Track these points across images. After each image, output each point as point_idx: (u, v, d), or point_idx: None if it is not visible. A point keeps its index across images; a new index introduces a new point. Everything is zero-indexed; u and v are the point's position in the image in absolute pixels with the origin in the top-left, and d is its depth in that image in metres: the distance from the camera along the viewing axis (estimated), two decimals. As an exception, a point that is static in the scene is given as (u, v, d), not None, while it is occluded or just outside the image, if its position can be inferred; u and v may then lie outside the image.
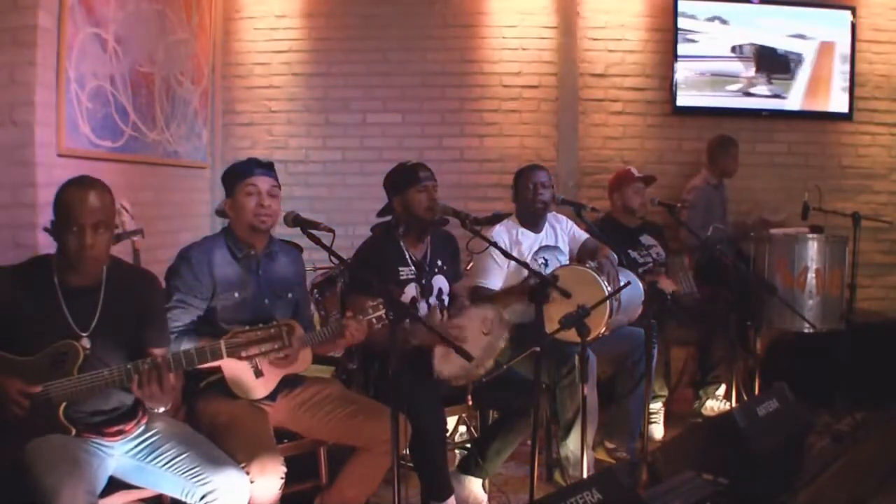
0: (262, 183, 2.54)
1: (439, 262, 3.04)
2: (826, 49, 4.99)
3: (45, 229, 2.13)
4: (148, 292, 2.28)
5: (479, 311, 2.89)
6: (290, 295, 2.66)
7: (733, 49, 4.96)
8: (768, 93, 5.00)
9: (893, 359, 4.01)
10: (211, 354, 2.07)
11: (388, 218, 3.02)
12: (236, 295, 2.51)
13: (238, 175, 2.56)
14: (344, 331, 2.45)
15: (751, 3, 4.97)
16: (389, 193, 2.99)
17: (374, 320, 2.47)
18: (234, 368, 2.40)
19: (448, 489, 2.73)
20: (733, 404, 3.86)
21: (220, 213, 2.67)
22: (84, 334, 2.07)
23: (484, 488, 3.00)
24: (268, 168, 2.59)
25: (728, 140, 4.61)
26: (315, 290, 3.67)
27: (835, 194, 4.88)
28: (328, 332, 2.48)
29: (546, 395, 3.14)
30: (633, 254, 3.85)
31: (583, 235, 3.59)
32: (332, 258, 2.44)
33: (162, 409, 2.22)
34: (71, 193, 2.06)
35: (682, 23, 4.87)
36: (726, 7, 4.95)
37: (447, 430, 2.99)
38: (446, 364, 2.71)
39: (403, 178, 2.94)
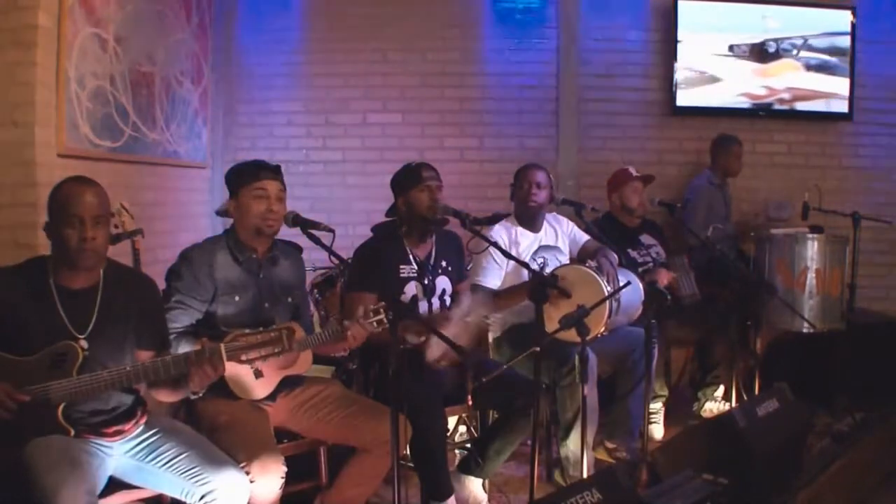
0: (272, 187, 2.53)
1: (443, 263, 3.04)
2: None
3: (45, 230, 2.12)
4: (145, 295, 2.27)
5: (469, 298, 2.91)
6: (290, 299, 2.65)
7: (731, 48, 4.96)
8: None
9: (893, 359, 4.01)
10: (210, 357, 2.07)
11: (393, 218, 3.02)
12: (237, 298, 2.50)
13: (246, 177, 2.54)
14: (345, 333, 2.45)
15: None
16: (395, 193, 2.99)
17: (374, 324, 2.46)
18: (234, 369, 2.39)
19: (448, 489, 2.73)
20: (733, 405, 3.87)
21: (223, 213, 2.67)
22: (81, 336, 2.07)
23: (484, 488, 3.00)
24: (276, 172, 2.58)
25: (730, 139, 4.61)
26: (315, 290, 3.67)
27: (835, 194, 4.89)
28: (328, 335, 2.48)
29: (546, 395, 3.14)
30: (633, 253, 3.85)
31: (583, 237, 3.58)
32: (332, 258, 2.44)
33: (199, 395, 2.24)
34: (69, 189, 2.06)
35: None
36: (726, 7, 4.95)
37: (448, 430, 3.00)
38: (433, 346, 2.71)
39: (407, 178, 2.94)
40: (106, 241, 2.12)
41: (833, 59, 5.02)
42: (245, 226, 2.54)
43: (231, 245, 2.54)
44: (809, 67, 4.99)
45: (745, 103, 4.99)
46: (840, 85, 5.02)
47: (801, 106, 5.03)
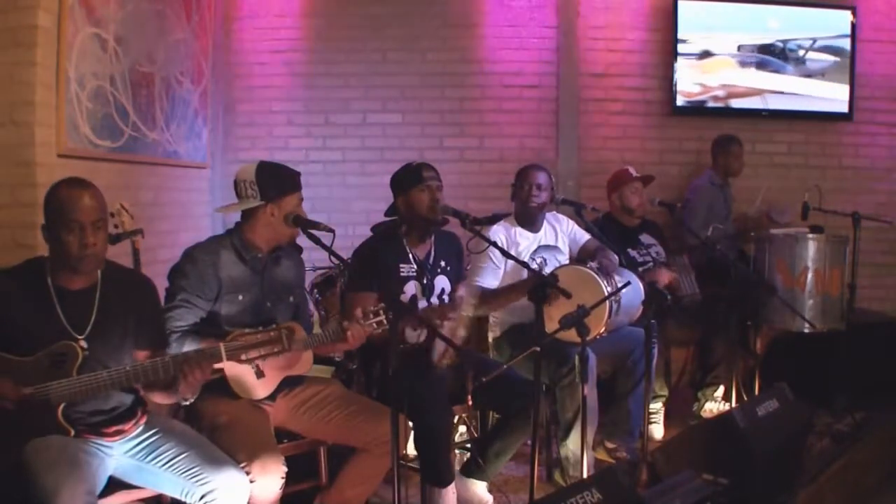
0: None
1: (442, 263, 3.04)
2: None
3: (42, 231, 2.11)
4: (143, 295, 2.27)
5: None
6: (290, 298, 2.66)
7: (739, 48, 4.95)
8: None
9: (893, 359, 4.01)
10: (210, 357, 2.07)
11: (393, 218, 3.02)
12: (240, 297, 2.50)
13: (292, 184, 2.56)
14: (345, 334, 2.45)
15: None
16: (394, 193, 2.99)
17: (374, 325, 2.46)
18: (236, 369, 2.40)
19: (449, 476, 2.73)
20: (733, 405, 3.87)
21: (231, 210, 2.65)
22: (80, 337, 2.07)
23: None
24: None
25: (729, 139, 4.61)
26: (315, 290, 3.67)
27: (835, 194, 4.88)
28: (329, 335, 2.48)
29: (546, 395, 3.14)
30: (633, 253, 3.85)
31: (584, 236, 3.58)
32: (332, 258, 2.44)
33: (190, 401, 2.22)
34: (66, 194, 2.04)
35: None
36: (728, 7, 4.95)
37: (453, 427, 3.00)
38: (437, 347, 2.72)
39: (407, 178, 2.94)
40: (105, 244, 2.11)
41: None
42: (280, 231, 2.54)
43: (236, 244, 2.54)
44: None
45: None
46: (834, 88, 5.01)
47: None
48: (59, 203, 2.03)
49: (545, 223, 3.50)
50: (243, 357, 2.09)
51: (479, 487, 2.95)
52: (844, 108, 5.05)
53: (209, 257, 2.47)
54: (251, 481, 2.16)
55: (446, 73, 4.90)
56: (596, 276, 3.08)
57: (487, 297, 3.20)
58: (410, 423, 2.63)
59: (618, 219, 3.96)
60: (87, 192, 2.06)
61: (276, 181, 2.54)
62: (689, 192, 4.60)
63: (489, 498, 2.98)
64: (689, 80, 4.94)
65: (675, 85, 4.91)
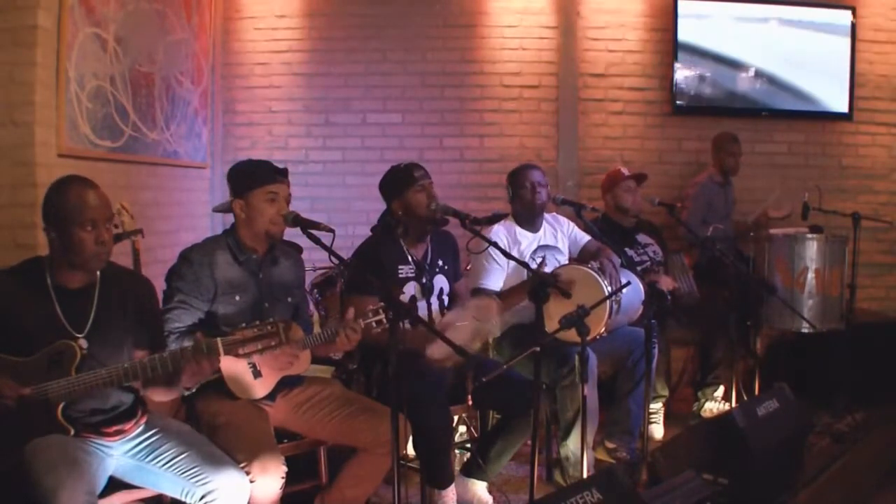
0: (283, 190, 2.52)
1: (440, 262, 3.03)
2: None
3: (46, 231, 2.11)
4: (142, 295, 2.27)
5: (475, 300, 2.89)
6: (289, 299, 2.65)
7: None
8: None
9: (893, 359, 4.01)
10: (207, 351, 2.07)
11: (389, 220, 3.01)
12: (237, 298, 2.49)
13: (259, 179, 2.51)
14: (335, 338, 2.44)
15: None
16: (387, 198, 2.97)
17: (373, 324, 2.45)
18: (233, 368, 2.40)
19: (449, 478, 2.73)
20: (733, 405, 3.87)
21: (223, 210, 2.65)
22: (80, 335, 2.07)
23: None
24: (286, 175, 2.57)
25: (726, 137, 4.59)
26: (315, 290, 3.67)
27: (835, 194, 4.89)
28: (325, 336, 2.48)
29: (546, 396, 3.14)
30: (630, 252, 3.84)
31: (584, 237, 3.58)
32: (332, 258, 2.44)
33: (192, 390, 2.21)
34: (76, 191, 2.05)
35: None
36: (727, 7, 4.95)
37: (453, 427, 3.00)
38: (437, 346, 2.71)
39: (399, 181, 2.93)
40: (113, 241, 2.13)
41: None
42: (254, 228, 2.52)
43: (231, 245, 2.53)
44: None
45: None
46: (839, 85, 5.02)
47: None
48: (70, 201, 2.03)
49: (544, 223, 3.50)
50: (241, 351, 2.07)
51: (480, 487, 2.95)
52: (844, 108, 5.05)
53: (205, 258, 2.47)
54: (251, 481, 2.16)
55: (446, 73, 4.90)
56: (596, 275, 3.08)
57: (497, 301, 3.18)
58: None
59: (614, 219, 3.95)
60: (95, 190, 2.08)
61: (243, 176, 2.53)
62: (689, 187, 4.60)
63: (489, 498, 2.97)
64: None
65: (675, 85, 4.92)
